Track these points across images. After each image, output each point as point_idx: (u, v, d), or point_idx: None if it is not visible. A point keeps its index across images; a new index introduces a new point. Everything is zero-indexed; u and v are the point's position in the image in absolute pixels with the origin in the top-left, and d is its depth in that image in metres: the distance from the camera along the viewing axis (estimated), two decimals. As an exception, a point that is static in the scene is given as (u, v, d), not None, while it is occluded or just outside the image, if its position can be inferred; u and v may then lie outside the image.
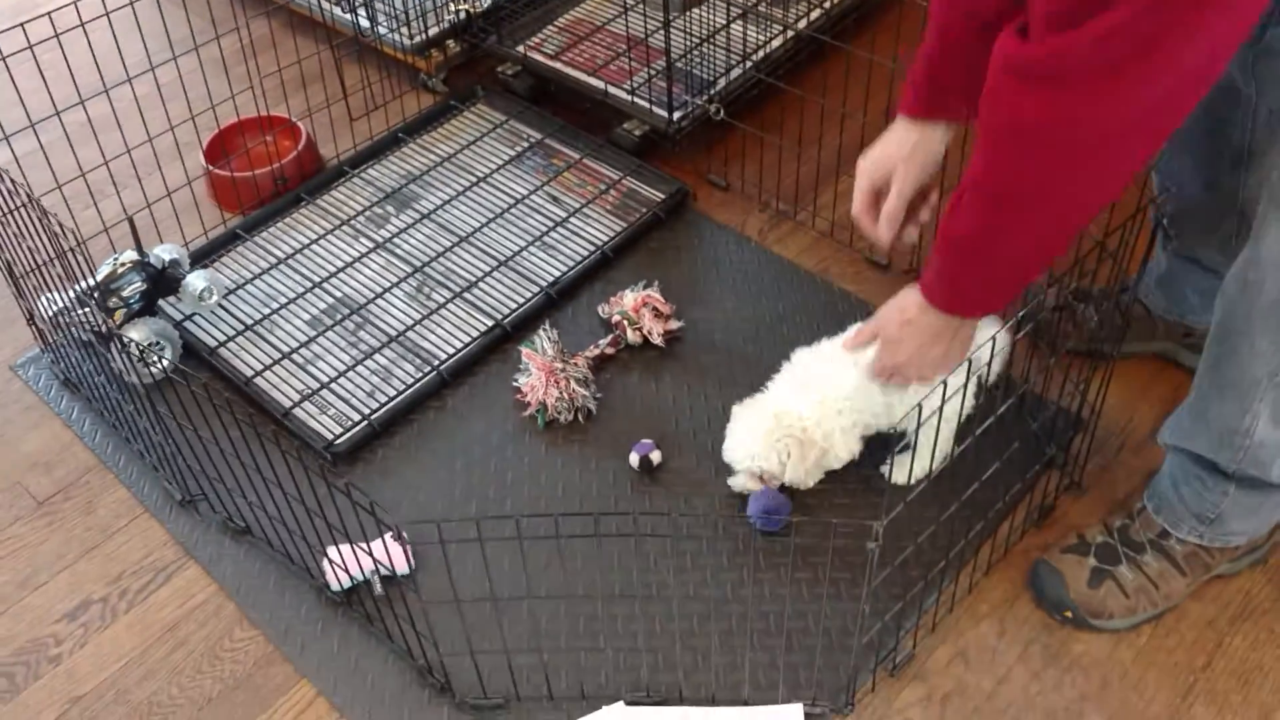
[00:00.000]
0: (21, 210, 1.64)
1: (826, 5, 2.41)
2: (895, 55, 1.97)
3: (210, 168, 2.23)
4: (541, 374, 1.84)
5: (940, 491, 1.58)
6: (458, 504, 1.75)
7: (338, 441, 1.81)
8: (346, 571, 1.61)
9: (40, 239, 1.64)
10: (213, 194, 2.27)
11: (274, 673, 1.59)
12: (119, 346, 1.69)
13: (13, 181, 1.53)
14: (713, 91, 2.27)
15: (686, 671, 1.55)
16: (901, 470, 1.64)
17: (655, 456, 1.76)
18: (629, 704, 1.52)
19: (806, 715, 1.50)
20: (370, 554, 1.47)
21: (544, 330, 1.92)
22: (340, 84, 2.38)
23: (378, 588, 1.63)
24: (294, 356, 1.95)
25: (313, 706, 1.56)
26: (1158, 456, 1.78)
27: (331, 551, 1.61)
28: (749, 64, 2.30)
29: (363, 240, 2.16)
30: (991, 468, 1.47)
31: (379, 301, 2.04)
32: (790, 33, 2.36)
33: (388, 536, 1.61)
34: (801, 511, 1.68)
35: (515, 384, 1.89)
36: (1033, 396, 1.80)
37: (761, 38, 2.37)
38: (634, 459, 1.77)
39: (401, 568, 1.62)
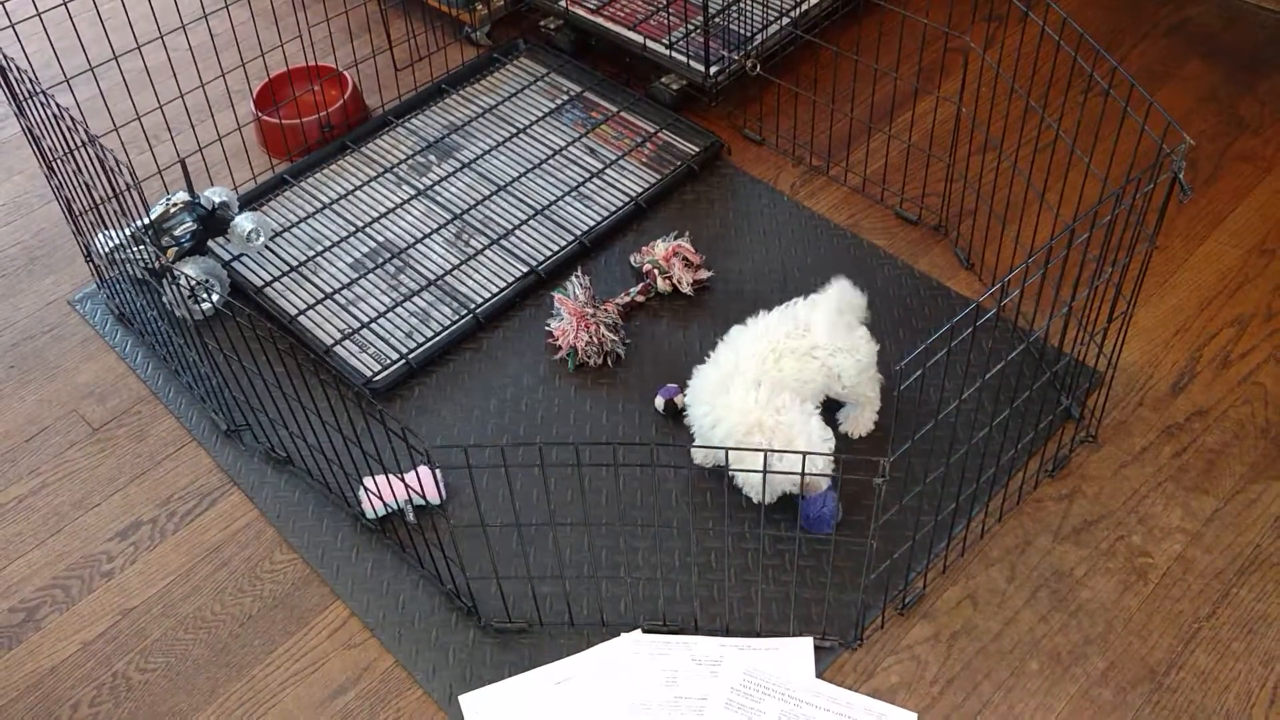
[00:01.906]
0: (81, 150, 1.72)
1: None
2: (927, 13, 1.99)
3: (260, 115, 2.31)
4: (573, 318, 1.90)
5: (950, 436, 1.63)
6: (490, 441, 1.82)
7: (376, 379, 1.88)
8: (381, 499, 1.68)
9: (98, 178, 1.72)
10: (262, 141, 2.35)
11: (310, 594, 1.68)
12: (171, 280, 1.77)
13: (73, 120, 1.60)
14: (750, 47, 2.30)
15: (702, 603, 1.61)
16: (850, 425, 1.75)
17: (680, 400, 1.82)
18: (646, 632, 1.58)
19: (816, 649, 1.56)
20: (404, 482, 1.54)
21: (576, 277, 1.98)
22: (386, 36, 2.44)
23: (410, 516, 1.71)
24: (336, 297, 2.02)
25: (346, 626, 1.64)
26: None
27: (368, 481, 1.69)
28: (786, 20, 2.33)
29: (405, 187, 2.22)
30: (1002, 414, 1.51)
31: (419, 246, 2.10)
32: (829, -10, 2.38)
33: (421, 468, 1.69)
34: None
35: (547, 328, 1.95)
36: (1050, 348, 1.83)
37: (800, -5, 2.39)
38: (659, 402, 1.82)
39: (433, 497, 1.69)
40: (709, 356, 1.72)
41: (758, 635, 1.58)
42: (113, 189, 1.69)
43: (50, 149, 1.79)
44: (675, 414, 1.82)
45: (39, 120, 1.76)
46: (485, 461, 1.46)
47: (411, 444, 1.36)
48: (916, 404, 1.76)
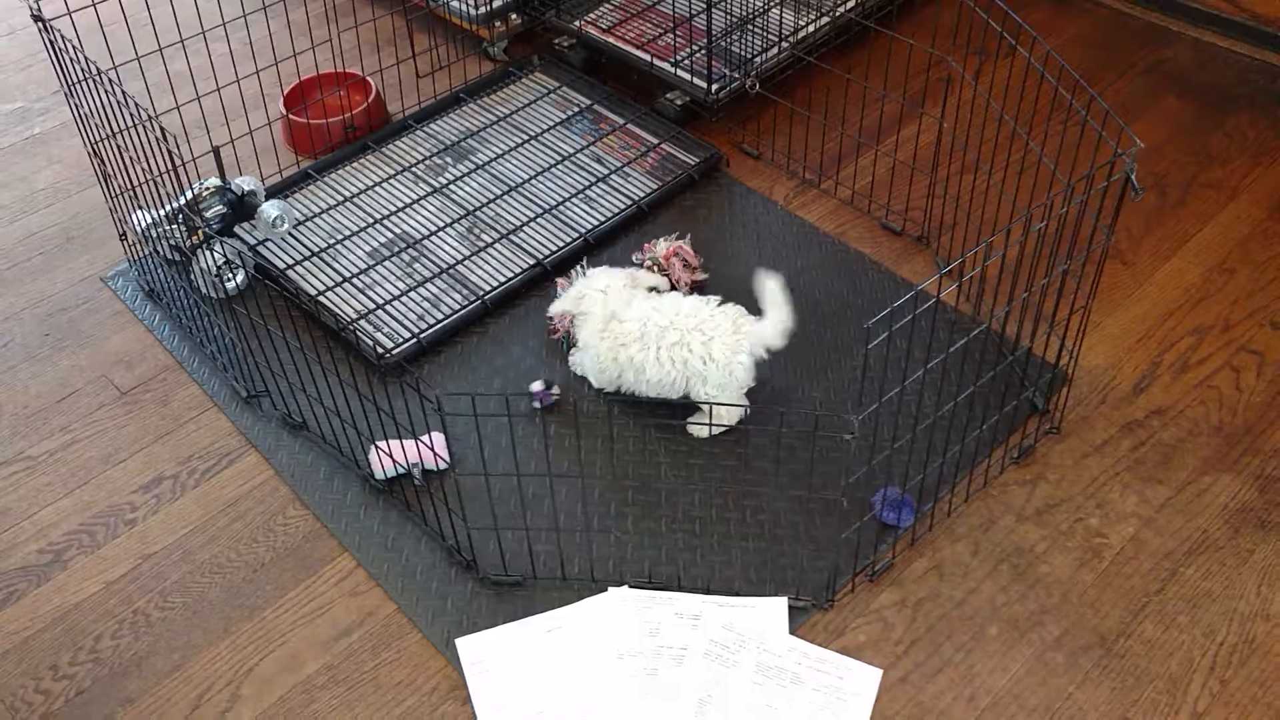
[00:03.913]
0: (127, 132, 1.85)
1: (862, -5, 2.58)
2: (933, 40, 2.14)
3: (288, 113, 2.46)
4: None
5: (915, 409, 1.76)
6: (495, 416, 1.94)
7: (389, 354, 2.01)
8: (392, 458, 1.80)
9: (141, 157, 1.85)
10: (289, 139, 2.50)
11: (320, 546, 1.79)
12: (211, 248, 1.89)
13: (134, 102, 1.74)
14: (749, 68, 2.45)
15: (685, 565, 1.73)
16: (698, 429, 1.88)
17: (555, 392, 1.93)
18: (632, 588, 1.70)
19: (790, 608, 1.67)
20: (416, 442, 1.66)
21: (580, 267, 2.11)
22: (410, 47, 2.60)
23: (418, 479, 1.82)
24: (354, 281, 2.16)
25: (352, 575, 1.76)
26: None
27: (380, 442, 1.81)
28: (787, 44, 2.49)
29: (422, 185, 2.37)
30: (966, 391, 1.64)
31: (433, 238, 2.24)
32: (825, 18, 2.54)
33: (433, 434, 1.81)
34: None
35: (549, 316, 2.08)
36: (1016, 343, 1.96)
37: (800, 22, 2.55)
38: (537, 405, 1.93)
39: (442, 454, 1.81)
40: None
41: (736, 594, 1.69)
42: (158, 168, 1.82)
43: (97, 127, 1.93)
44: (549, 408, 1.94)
45: (87, 103, 1.90)
46: (490, 410, 1.58)
47: (423, 393, 1.48)
48: (884, 370, 1.88)
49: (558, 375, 2.01)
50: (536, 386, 1.92)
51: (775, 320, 1.78)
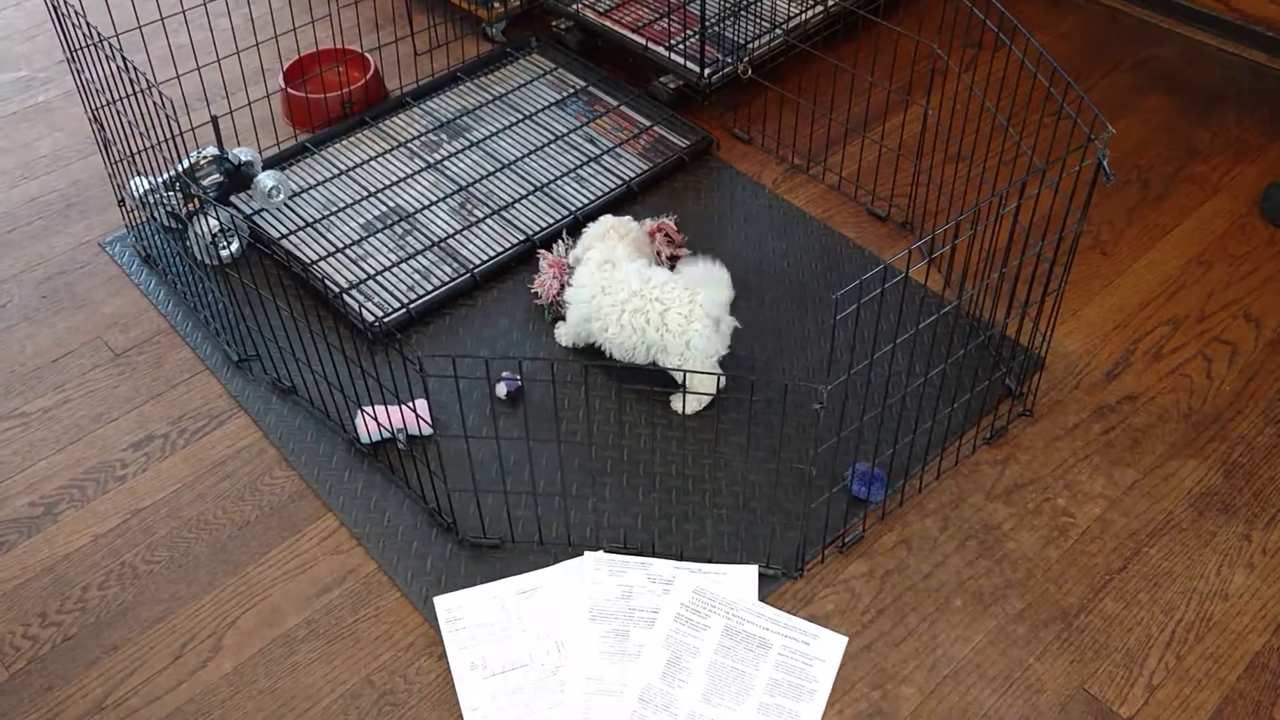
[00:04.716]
0: (127, 99, 1.89)
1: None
2: (919, 30, 2.17)
3: (287, 88, 2.49)
4: (553, 270, 2.08)
5: (887, 385, 1.80)
6: (479, 385, 1.98)
7: (380, 322, 2.05)
8: (377, 423, 1.84)
9: (140, 123, 1.89)
10: (287, 112, 2.53)
11: (304, 506, 1.84)
12: (212, 212, 1.93)
13: (135, 69, 1.78)
14: (742, 54, 2.49)
15: (660, 532, 1.77)
16: (678, 402, 1.93)
17: (503, 390, 1.95)
18: (608, 552, 1.74)
19: (761, 576, 1.71)
20: (403, 408, 1.70)
21: (563, 238, 2.16)
22: (409, 25, 2.63)
23: (402, 443, 1.87)
24: (347, 251, 2.20)
25: (335, 535, 1.80)
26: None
27: (367, 407, 1.85)
28: (780, 31, 2.52)
29: (416, 160, 2.41)
30: (937, 368, 1.67)
31: (425, 212, 2.28)
32: (819, 7, 2.57)
33: (417, 400, 1.85)
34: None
35: (529, 286, 2.12)
36: (994, 331, 2.00)
37: (794, 9, 2.59)
38: (501, 389, 1.94)
39: (425, 419, 1.85)
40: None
41: (708, 561, 1.73)
42: (156, 135, 1.86)
43: (98, 93, 1.96)
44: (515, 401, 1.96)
45: (89, 69, 1.94)
46: (470, 372, 1.62)
47: (406, 355, 1.52)
48: (857, 345, 1.92)
49: (543, 348, 2.05)
50: (505, 376, 1.96)
51: (708, 273, 1.87)
